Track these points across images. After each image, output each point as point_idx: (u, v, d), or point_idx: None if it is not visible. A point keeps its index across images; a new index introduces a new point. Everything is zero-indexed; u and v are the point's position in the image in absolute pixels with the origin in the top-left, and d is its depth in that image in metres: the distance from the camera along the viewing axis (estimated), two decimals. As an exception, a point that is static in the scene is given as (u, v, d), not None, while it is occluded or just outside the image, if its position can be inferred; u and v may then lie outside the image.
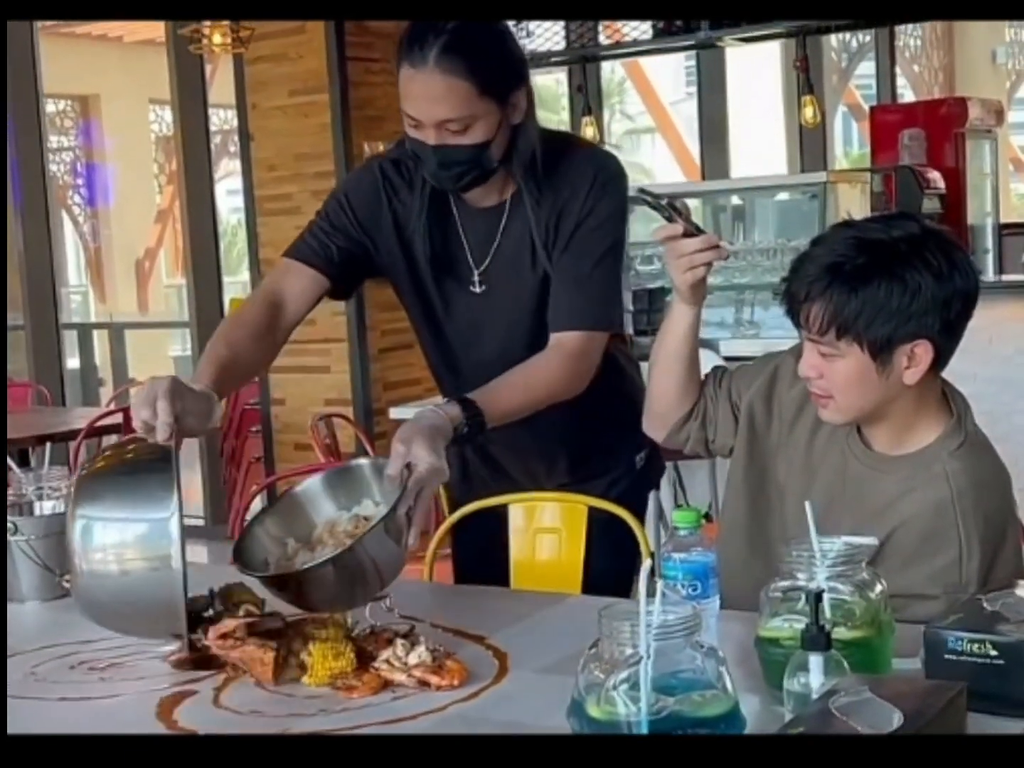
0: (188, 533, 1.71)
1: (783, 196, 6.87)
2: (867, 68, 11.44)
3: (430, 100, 1.99)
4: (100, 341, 8.94)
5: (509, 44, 2.11)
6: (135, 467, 1.79)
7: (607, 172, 2.15)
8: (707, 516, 2.89)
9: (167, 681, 1.68)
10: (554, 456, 2.32)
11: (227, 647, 1.66)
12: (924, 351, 1.78)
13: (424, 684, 1.61)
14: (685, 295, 1.94)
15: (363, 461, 2.00)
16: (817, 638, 1.36)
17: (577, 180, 2.12)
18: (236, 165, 6.75)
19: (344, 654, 1.65)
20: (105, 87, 12.32)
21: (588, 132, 7.72)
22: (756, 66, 11.82)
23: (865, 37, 11.17)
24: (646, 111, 15.30)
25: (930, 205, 8.11)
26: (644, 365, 2.19)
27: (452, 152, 2.03)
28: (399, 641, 1.68)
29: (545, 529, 2.33)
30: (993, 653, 1.41)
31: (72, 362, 8.21)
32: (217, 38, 5.58)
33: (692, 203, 6.53)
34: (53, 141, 11.16)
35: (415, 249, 2.20)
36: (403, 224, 2.20)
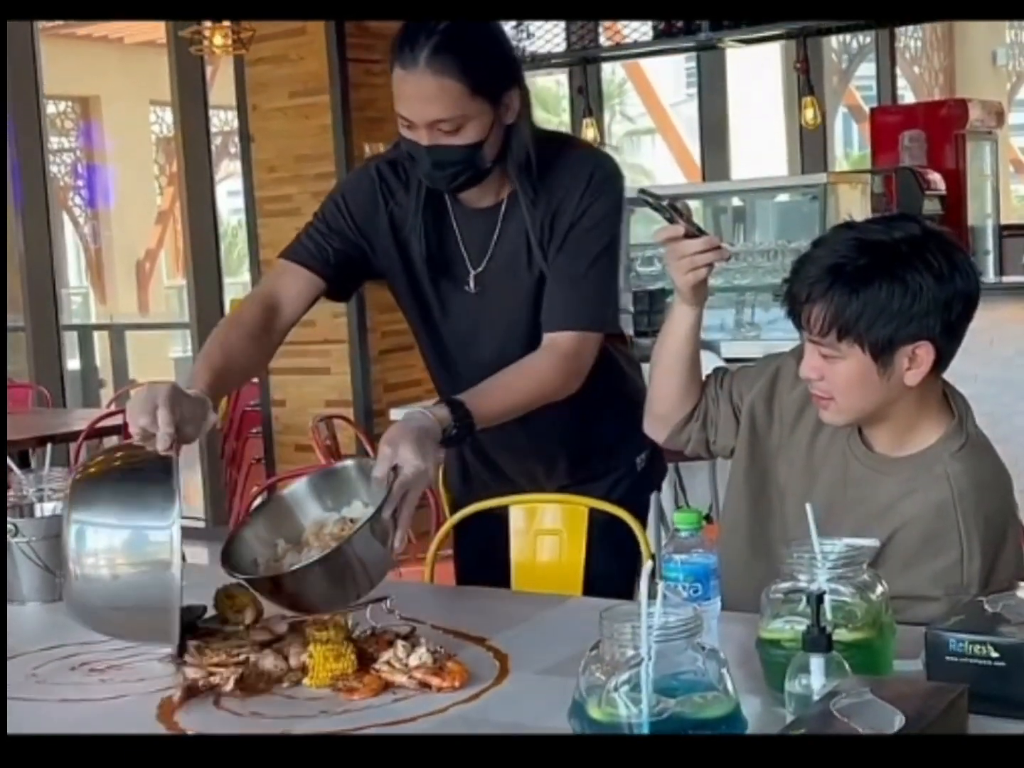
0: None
1: (783, 197, 6.88)
2: (867, 69, 11.44)
3: (421, 101, 1.99)
4: (100, 342, 8.95)
5: (501, 44, 2.11)
6: (135, 474, 1.79)
7: (603, 172, 2.14)
8: (707, 517, 2.88)
9: (168, 682, 1.68)
10: (554, 457, 2.31)
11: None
12: (925, 352, 1.78)
13: (425, 686, 1.61)
14: (686, 296, 1.94)
15: (349, 463, 2.02)
16: (818, 640, 1.36)
17: (572, 180, 2.12)
18: (236, 166, 6.75)
19: (345, 656, 1.65)
20: (106, 88, 12.32)
21: (589, 133, 7.72)
22: (756, 67, 11.82)
23: (865, 38, 11.17)
24: (646, 112, 15.30)
25: (930, 206, 8.11)
26: (645, 366, 2.19)
27: (445, 152, 2.03)
28: (400, 643, 1.68)
29: (546, 530, 2.33)
30: (994, 655, 1.41)
31: (72, 363, 8.22)
32: (218, 39, 5.58)
33: (692, 204, 6.52)
34: (54, 142, 11.17)
35: (411, 250, 2.20)
36: (399, 225, 2.20)
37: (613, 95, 13.98)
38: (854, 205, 6.12)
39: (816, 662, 1.35)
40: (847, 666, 1.36)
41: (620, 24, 7.19)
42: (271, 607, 1.82)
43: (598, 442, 2.31)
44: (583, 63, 7.59)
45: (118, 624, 1.76)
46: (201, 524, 6.62)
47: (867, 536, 1.62)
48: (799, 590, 1.48)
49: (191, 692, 1.61)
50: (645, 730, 1.22)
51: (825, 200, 5.99)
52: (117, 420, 5.01)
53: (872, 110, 9.84)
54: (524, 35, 6.96)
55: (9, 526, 2.07)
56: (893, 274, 1.75)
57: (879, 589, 1.51)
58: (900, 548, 1.78)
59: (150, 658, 1.76)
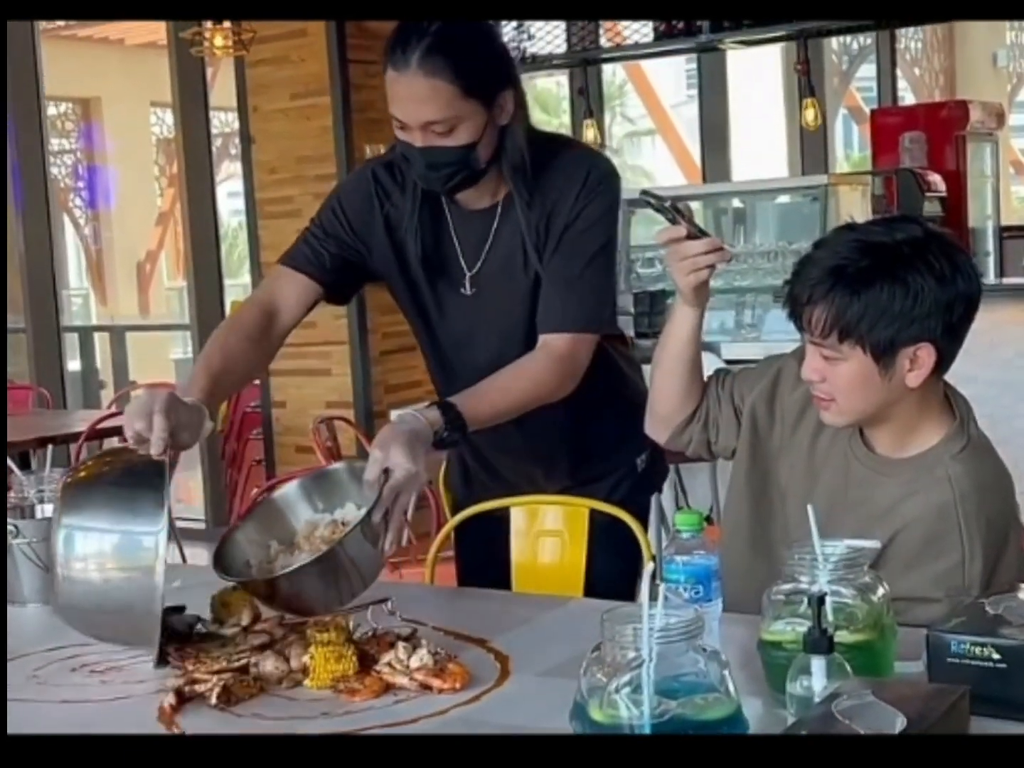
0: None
1: (784, 199, 6.87)
2: (868, 71, 11.44)
3: (414, 102, 2.00)
4: (101, 344, 8.95)
5: (494, 45, 2.11)
6: (128, 479, 1.79)
7: (598, 173, 2.14)
8: (708, 519, 2.88)
9: (169, 683, 1.68)
10: (552, 459, 2.31)
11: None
12: (927, 354, 1.78)
13: (426, 687, 1.61)
14: (688, 297, 1.93)
15: (340, 465, 2.03)
16: (819, 641, 1.36)
17: (567, 181, 2.12)
18: (237, 168, 6.75)
19: (346, 657, 1.65)
20: (106, 90, 12.33)
21: (589, 135, 7.72)
22: (757, 69, 11.82)
23: (866, 40, 11.18)
24: (647, 114, 15.32)
25: (931, 208, 8.11)
26: (645, 368, 2.19)
27: (439, 153, 2.03)
28: (401, 644, 1.68)
29: (547, 532, 2.33)
30: (996, 657, 1.41)
31: (73, 364, 8.22)
32: (218, 41, 5.57)
33: (693, 206, 6.52)
34: (54, 144, 11.18)
35: (407, 252, 2.20)
36: (395, 227, 2.20)
37: (614, 96, 14.00)
38: (854, 206, 6.12)
39: (817, 664, 1.35)
40: (848, 668, 1.36)
41: (621, 25, 7.20)
42: (267, 610, 1.82)
43: (597, 443, 2.30)
44: (583, 64, 7.59)
45: (102, 627, 1.77)
46: (202, 525, 6.62)
47: (868, 538, 1.62)
48: (800, 592, 1.48)
49: (181, 697, 1.61)
50: (646, 732, 1.22)
51: (825, 201, 5.99)
52: (118, 421, 4.98)
53: (872, 111, 9.85)
54: (525, 36, 6.96)
55: (10, 527, 2.08)
56: (895, 276, 1.75)
57: (880, 591, 1.51)
58: (901, 550, 1.78)
59: (150, 660, 1.76)
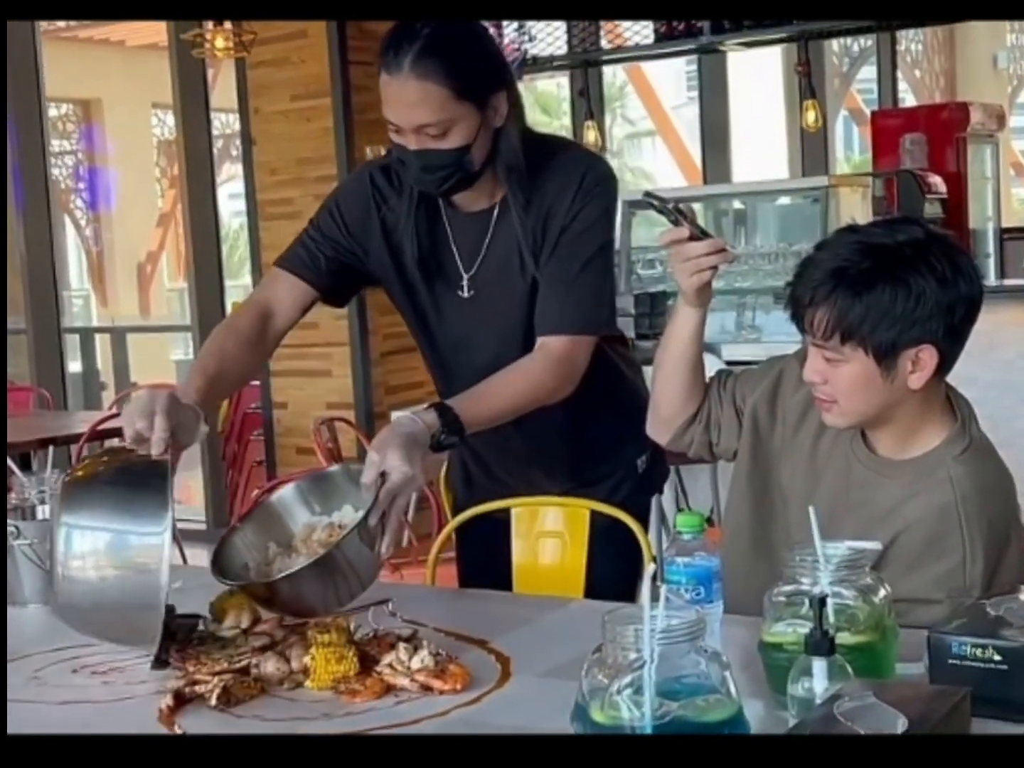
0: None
1: (785, 200, 6.87)
2: (868, 72, 11.44)
3: (407, 105, 1.99)
4: (102, 345, 8.96)
5: (487, 48, 2.10)
6: (128, 477, 1.79)
7: (594, 174, 2.14)
8: (709, 520, 2.88)
9: (169, 685, 1.68)
10: (552, 461, 2.31)
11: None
12: (928, 356, 1.78)
13: (427, 688, 1.61)
14: (690, 299, 1.93)
15: (336, 468, 2.03)
16: (821, 643, 1.36)
17: (564, 183, 2.11)
18: (238, 169, 6.76)
19: (347, 658, 1.65)
20: (107, 91, 12.33)
21: (590, 136, 7.73)
22: (757, 70, 11.83)
23: (866, 41, 11.18)
24: (647, 115, 15.32)
25: (931, 210, 8.11)
26: (646, 369, 2.19)
27: (433, 156, 2.03)
28: (402, 645, 1.68)
29: (548, 533, 2.33)
30: (997, 658, 1.41)
31: (74, 366, 8.22)
32: (219, 42, 5.57)
33: (694, 207, 6.53)
34: (55, 145, 11.18)
35: (404, 255, 2.20)
36: (392, 229, 2.20)
37: (614, 98, 14.00)
38: (855, 208, 6.12)
39: (819, 665, 1.35)
40: (850, 669, 1.36)
41: (621, 27, 7.20)
42: (267, 612, 1.83)
43: (597, 445, 2.30)
44: (584, 66, 7.60)
45: (100, 625, 1.76)
46: (202, 526, 6.62)
47: (870, 539, 1.62)
48: (802, 593, 1.48)
49: (180, 699, 1.61)
50: (648, 733, 1.22)
51: (826, 203, 5.99)
52: (118, 423, 4.94)
53: (873, 113, 9.84)
54: (526, 38, 6.96)
55: (10, 528, 2.08)
56: (896, 277, 1.75)
57: (882, 592, 1.51)
58: (903, 551, 1.77)
59: (151, 660, 1.76)
